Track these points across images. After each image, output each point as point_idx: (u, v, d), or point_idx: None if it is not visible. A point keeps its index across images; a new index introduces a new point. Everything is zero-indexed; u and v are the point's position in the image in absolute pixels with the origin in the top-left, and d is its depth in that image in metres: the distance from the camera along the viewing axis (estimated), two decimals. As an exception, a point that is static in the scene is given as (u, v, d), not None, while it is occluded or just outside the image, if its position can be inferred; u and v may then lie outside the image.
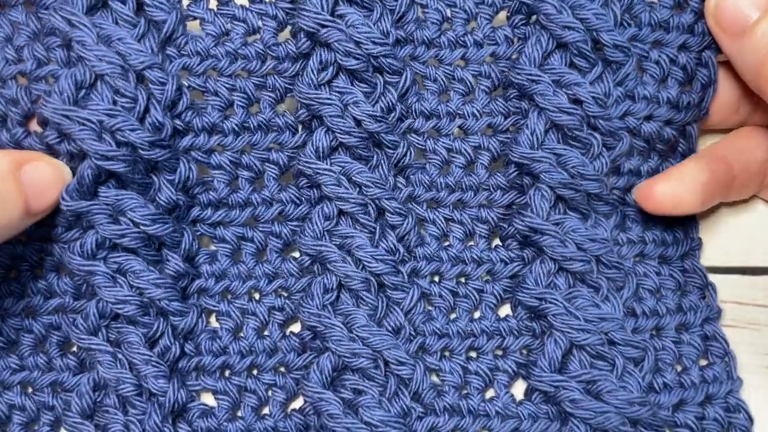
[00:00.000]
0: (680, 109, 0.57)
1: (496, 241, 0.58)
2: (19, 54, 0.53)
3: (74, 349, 0.55)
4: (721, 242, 0.62)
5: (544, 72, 0.54)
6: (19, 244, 0.55)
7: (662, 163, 0.59)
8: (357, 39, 0.52)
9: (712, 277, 0.60)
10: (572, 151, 0.54)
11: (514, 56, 0.56)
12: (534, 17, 0.55)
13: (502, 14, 0.57)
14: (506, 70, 0.56)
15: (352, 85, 0.54)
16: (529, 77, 0.54)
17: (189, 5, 0.54)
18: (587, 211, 0.56)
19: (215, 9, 0.54)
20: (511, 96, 0.56)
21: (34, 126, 0.53)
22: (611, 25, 0.53)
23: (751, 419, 0.56)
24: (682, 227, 0.60)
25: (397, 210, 0.54)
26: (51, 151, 0.52)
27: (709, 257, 0.61)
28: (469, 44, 0.56)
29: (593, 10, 0.53)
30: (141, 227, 0.52)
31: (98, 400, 0.53)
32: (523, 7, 0.55)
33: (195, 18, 0.54)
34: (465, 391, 0.56)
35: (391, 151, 0.54)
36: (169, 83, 0.52)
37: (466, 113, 0.56)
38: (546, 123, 0.54)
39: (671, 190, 0.55)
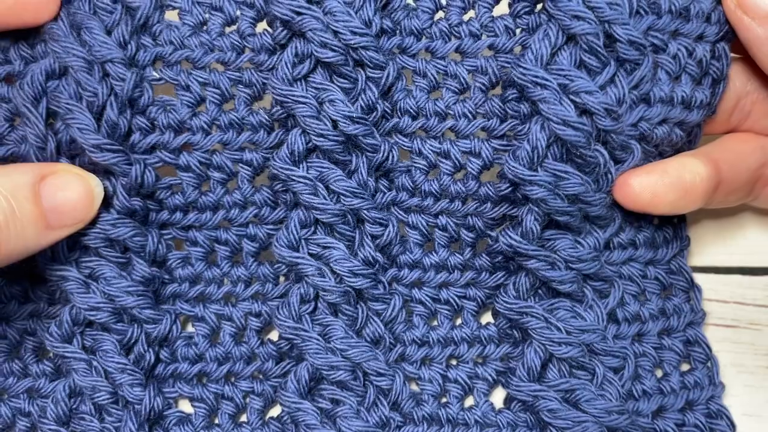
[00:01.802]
0: (692, 108, 0.53)
1: (482, 250, 0.56)
2: (5, 54, 0.51)
3: (50, 354, 0.54)
4: (723, 242, 0.61)
5: (550, 74, 0.48)
6: None
7: None
8: (335, 28, 0.48)
9: (714, 277, 0.60)
10: (575, 174, 0.50)
11: (516, 49, 0.51)
12: (539, 6, 0.51)
13: (504, 4, 0.52)
14: (507, 65, 0.51)
15: (330, 80, 0.50)
16: (535, 79, 0.48)
17: None
18: (581, 227, 0.53)
19: None
20: (510, 97, 0.51)
21: None
22: (626, 17, 0.48)
23: (733, 425, 0.56)
24: (672, 227, 0.58)
25: (377, 220, 0.52)
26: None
27: (710, 257, 0.61)
28: (464, 35, 0.51)
29: None
30: (101, 230, 0.50)
31: (74, 406, 0.53)
32: None
33: (174, 8, 0.51)
34: (444, 400, 0.56)
35: (372, 155, 0.51)
36: (128, 78, 0.49)
37: (457, 113, 0.52)
38: (549, 137, 0.49)
39: (651, 184, 0.51)
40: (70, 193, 0.48)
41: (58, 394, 0.52)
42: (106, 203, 0.51)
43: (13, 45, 0.51)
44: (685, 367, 0.58)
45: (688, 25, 0.52)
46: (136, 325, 0.52)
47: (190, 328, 0.56)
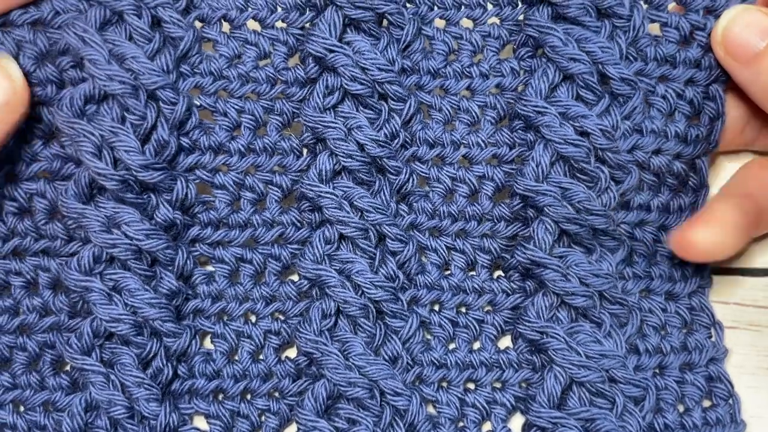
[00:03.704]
0: (689, 142, 0.57)
1: (498, 272, 0.57)
2: (30, 77, 0.53)
3: (67, 368, 0.54)
4: None
5: (550, 104, 0.53)
6: (15, 258, 0.54)
7: (673, 198, 0.58)
8: (363, 65, 0.52)
9: (714, 278, 0.60)
10: (578, 185, 0.53)
11: (519, 88, 0.56)
12: (540, 50, 0.55)
13: (509, 47, 0.57)
14: (512, 101, 0.55)
15: (357, 110, 0.54)
16: (536, 109, 0.53)
17: (203, 27, 0.55)
18: (592, 246, 0.55)
19: (228, 32, 0.55)
20: (517, 127, 0.55)
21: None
22: (617, 59, 0.53)
23: None
24: (693, 264, 0.58)
25: (398, 236, 0.54)
26: (66, 156, 0.53)
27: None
28: (474, 75, 0.56)
29: (599, 43, 0.53)
30: (134, 241, 0.51)
31: (90, 420, 0.52)
32: (530, 40, 0.55)
33: (208, 40, 0.55)
34: (461, 424, 0.55)
35: (394, 177, 0.54)
36: (180, 103, 0.52)
37: (470, 143, 0.56)
38: (552, 155, 0.53)
39: (712, 237, 0.54)
40: None
41: (75, 408, 0.52)
42: (146, 215, 0.52)
43: (40, 68, 0.53)
44: (706, 403, 0.57)
45: (675, 70, 0.56)
46: (155, 339, 0.52)
47: (207, 344, 0.56)
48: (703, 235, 0.54)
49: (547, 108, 0.53)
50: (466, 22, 0.56)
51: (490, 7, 0.56)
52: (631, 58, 0.55)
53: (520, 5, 0.56)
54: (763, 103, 0.54)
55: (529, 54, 0.56)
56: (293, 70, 0.55)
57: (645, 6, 0.56)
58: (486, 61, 0.56)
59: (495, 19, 0.56)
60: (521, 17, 0.56)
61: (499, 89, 0.56)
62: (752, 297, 0.60)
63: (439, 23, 0.56)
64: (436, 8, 0.56)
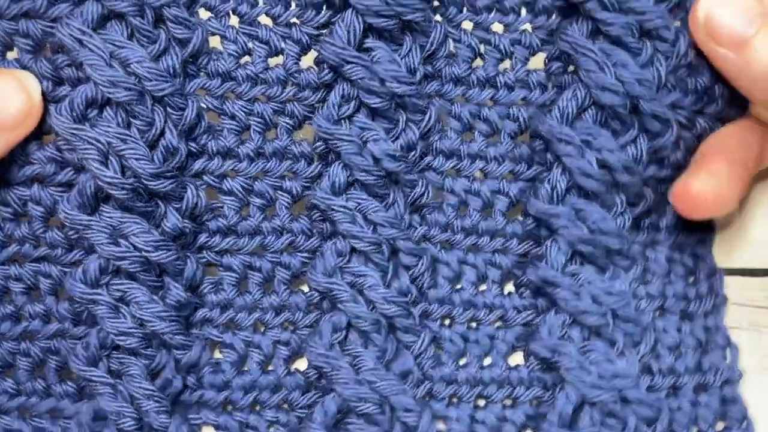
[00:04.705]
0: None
1: (509, 288, 0.56)
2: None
3: (74, 375, 0.53)
4: (722, 244, 0.60)
5: (574, 130, 0.51)
6: (13, 264, 0.53)
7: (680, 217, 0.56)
8: (382, 76, 0.50)
9: None
10: (593, 206, 0.52)
11: (547, 104, 0.53)
12: (572, 67, 0.52)
13: (539, 57, 0.54)
14: (533, 118, 0.53)
15: (373, 119, 0.52)
16: (559, 136, 0.51)
17: (209, 20, 0.51)
18: (605, 265, 0.54)
19: (237, 27, 0.52)
20: (538, 147, 0.54)
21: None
22: (653, 93, 0.50)
23: None
24: (708, 282, 0.58)
25: (412, 251, 0.53)
26: (63, 160, 0.51)
27: (710, 258, 0.60)
28: (500, 85, 0.53)
29: (636, 74, 0.50)
30: (143, 253, 0.50)
31: (98, 430, 0.52)
32: (563, 55, 0.52)
33: (215, 34, 0.52)
34: (472, 442, 0.55)
35: (409, 190, 0.53)
36: (189, 108, 0.50)
37: (488, 156, 0.54)
38: (569, 181, 0.52)
39: (710, 187, 0.51)
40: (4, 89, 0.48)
41: (82, 417, 0.52)
42: (154, 224, 0.51)
43: (35, 62, 0.50)
44: (720, 425, 0.57)
45: (711, 106, 0.53)
46: (164, 351, 0.52)
47: (216, 354, 0.55)
48: (698, 185, 0.52)
49: (570, 136, 0.51)
50: (497, 27, 0.53)
51: (524, 13, 0.53)
52: (669, 87, 0.52)
53: (555, 16, 0.53)
54: (751, 91, 0.51)
55: (560, 69, 0.53)
56: (306, 73, 0.52)
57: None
58: (513, 71, 0.53)
59: (527, 26, 0.53)
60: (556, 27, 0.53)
61: (524, 102, 0.54)
62: (752, 297, 0.59)
63: (467, 25, 0.53)
64: (465, 11, 0.53)
